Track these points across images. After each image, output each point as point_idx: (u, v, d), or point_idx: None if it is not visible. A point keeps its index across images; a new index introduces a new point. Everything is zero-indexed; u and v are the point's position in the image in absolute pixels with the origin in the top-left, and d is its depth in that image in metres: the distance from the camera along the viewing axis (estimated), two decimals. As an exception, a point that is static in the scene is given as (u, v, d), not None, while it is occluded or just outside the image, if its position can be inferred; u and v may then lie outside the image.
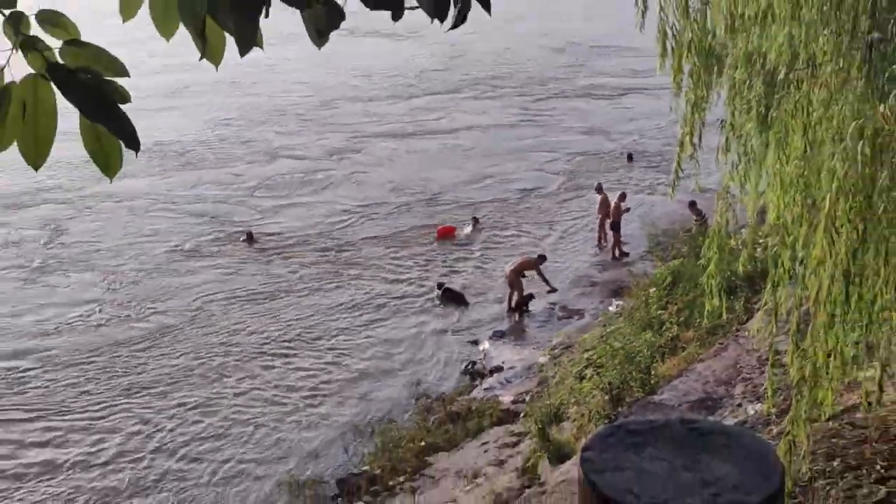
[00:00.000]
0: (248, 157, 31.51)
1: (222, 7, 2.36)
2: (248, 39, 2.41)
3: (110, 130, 2.41)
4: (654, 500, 1.64)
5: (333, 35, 2.46)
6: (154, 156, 31.15)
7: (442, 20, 2.30)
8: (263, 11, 2.39)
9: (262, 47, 2.42)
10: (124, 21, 2.62)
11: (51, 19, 2.42)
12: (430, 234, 26.66)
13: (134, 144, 2.40)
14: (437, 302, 23.02)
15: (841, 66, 8.82)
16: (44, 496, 16.58)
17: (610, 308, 22.05)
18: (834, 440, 11.21)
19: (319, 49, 2.58)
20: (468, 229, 26.98)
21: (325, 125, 33.37)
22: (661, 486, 1.66)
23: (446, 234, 26.70)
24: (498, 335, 21.72)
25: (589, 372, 17.56)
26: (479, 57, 36.77)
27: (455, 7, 2.32)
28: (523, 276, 22.69)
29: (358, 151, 31.78)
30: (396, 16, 2.30)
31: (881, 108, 8.38)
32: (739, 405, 14.85)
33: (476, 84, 36.68)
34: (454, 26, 2.34)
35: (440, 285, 23.45)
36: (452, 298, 23.11)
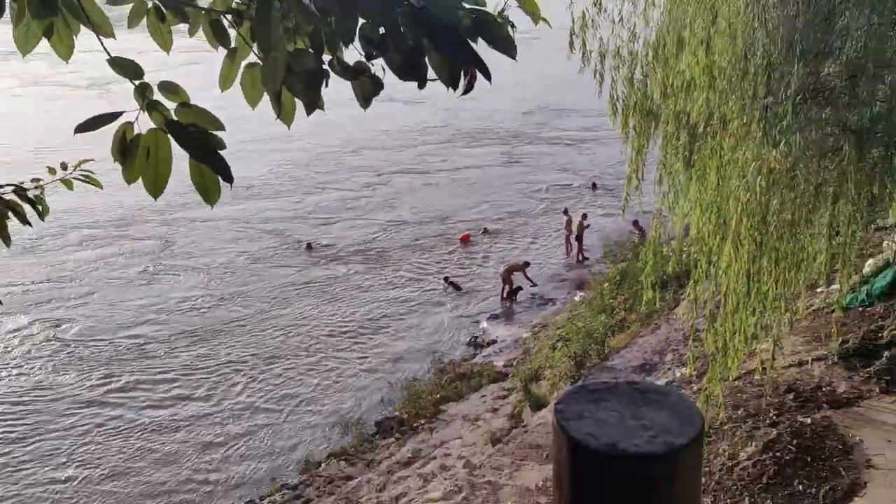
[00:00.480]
0: (301, 190, 31.36)
1: (295, 79, 2.38)
2: (313, 103, 2.43)
3: (212, 169, 2.42)
4: (608, 441, 1.64)
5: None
6: (229, 189, 30.89)
7: (455, 88, 2.31)
8: (324, 82, 2.41)
9: (323, 109, 2.43)
10: (222, 91, 2.64)
11: (168, 88, 2.43)
12: (453, 239, 26.70)
13: (229, 180, 2.42)
14: (445, 291, 23.16)
15: (744, 121, 8.81)
16: (168, 439, 16.74)
17: (575, 298, 22.04)
18: (739, 395, 11.20)
19: (365, 110, 2.59)
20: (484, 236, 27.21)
21: (356, 167, 33.31)
22: (612, 430, 1.66)
23: (465, 239, 26.83)
24: (493, 317, 21.75)
25: (559, 344, 17.59)
26: (468, 117, 36.71)
27: (465, 79, 2.33)
28: (513, 274, 22.76)
29: (384, 185, 31.73)
30: (421, 85, 2.31)
31: (773, 152, 8.39)
32: (669, 369, 14.84)
33: (468, 136, 36.61)
34: (465, 93, 2.35)
35: (446, 279, 23.66)
36: (453, 286, 23.36)
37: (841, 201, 9.07)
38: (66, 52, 2.62)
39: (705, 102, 9.26)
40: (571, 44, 10.57)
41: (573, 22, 10.54)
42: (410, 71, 2.27)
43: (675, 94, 9.81)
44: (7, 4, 2.43)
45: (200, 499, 14.96)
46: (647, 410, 1.70)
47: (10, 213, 4.34)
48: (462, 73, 2.31)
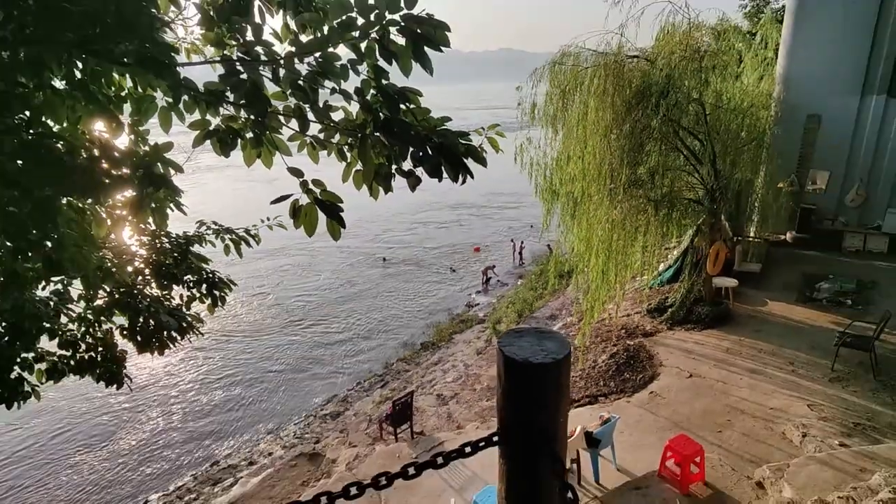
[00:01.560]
0: (372, 233, 30.02)
1: (379, 178, 2.40)
2: (388, 189, 2.44)
3: (336, 223, 2.43)
4: (524, 357, 1.63)
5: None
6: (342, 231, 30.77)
7: (456, 181, 2.34)
8: (393, 178, 2.43)
9: (392, 191, 2.45)
10: (343, 182, 2.65)
11: (316, 182, 2.45)
12: (462, 253, 26.35)
13: (344, 227, 2.44)
14: (452, 272, 23.12)
15: (601, 196, 8.77)
16: (321, 353, 16.68)
17: (518, 283, 21.84)
18: (599, 330, 11.09)
19: (413, 192, 2.60)
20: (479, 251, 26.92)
21: (398, 221, 32.32)
22: (526, 351, 1.65)
23: (477, 250, 26.39)
24: (478, 292, 21.43)
25: (510, 305, 17.44)
26: (452, 196, 35.96)
27: (461, 177, 2.35)
28: (487, 271, 22.60)
29: (416, 230, 30.98)
30: (440, 181, 2.33)
31: (614, 212, 8.33)
32: (564, 317, 14.70)
33: (454, 206, 35.50)
34: (461, 184, 2.38)
35: (451, 268, 23.50)
36: (452, 271, 23.21)
37: (648, 235, 9.03)
38: (268, 163, 2.66)
39: (581, 187, 9.24)
40: (515, 158, 10.56)
41: (515, 148, 10.55)
42: (435, 174, 2.29)
43: (566, 183, 9.79)
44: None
45: (336, 381, 14.94)
46: (545, 342, 1.70)
47: (242, 243, 4.42)
48: (460, 174, 2.33)
